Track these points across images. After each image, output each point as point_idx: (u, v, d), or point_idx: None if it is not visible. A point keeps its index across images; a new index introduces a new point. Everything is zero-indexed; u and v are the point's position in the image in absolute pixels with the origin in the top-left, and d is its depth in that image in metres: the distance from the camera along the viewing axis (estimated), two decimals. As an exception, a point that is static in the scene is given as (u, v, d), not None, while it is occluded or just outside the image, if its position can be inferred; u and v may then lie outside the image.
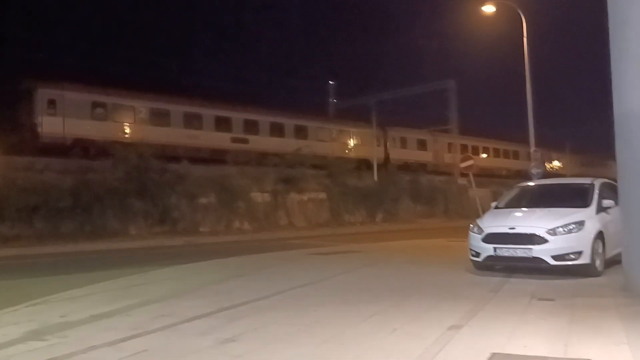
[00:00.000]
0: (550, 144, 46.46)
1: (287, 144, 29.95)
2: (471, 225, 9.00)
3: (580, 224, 7.95)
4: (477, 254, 8.52)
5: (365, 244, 14.94)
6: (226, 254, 12.35)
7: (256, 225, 23.76)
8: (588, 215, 8.19)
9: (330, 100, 45.86)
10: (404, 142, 39.05)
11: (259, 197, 24.57)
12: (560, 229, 7.88)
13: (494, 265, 8.61)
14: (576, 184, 9.96)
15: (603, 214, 8.38)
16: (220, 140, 28.29)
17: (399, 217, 29.53)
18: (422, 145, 40.12)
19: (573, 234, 7.85)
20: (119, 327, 5.41)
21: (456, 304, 6.10)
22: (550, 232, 7.86)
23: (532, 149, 20.36)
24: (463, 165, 20.12)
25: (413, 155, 38.66)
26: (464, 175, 26.83)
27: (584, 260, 7.76)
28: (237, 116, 29.70)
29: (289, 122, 32.24)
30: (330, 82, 46.47)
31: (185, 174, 22.45)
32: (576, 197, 8.86)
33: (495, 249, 8.21)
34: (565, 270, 7.84)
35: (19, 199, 17.89)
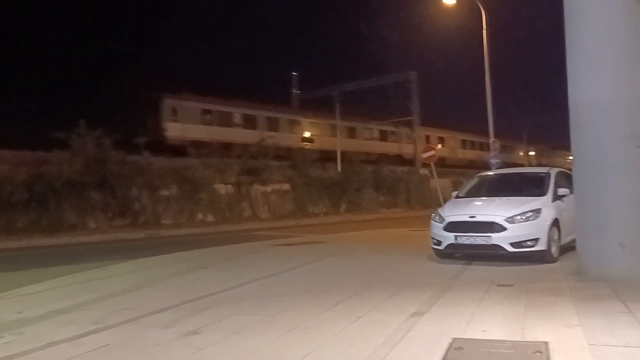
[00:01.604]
0: (509, 134, 48.08)
1: (335, 143, 35.35)
2: (433, 214, 9.16)
3: (537, 212, 8.18)
4: (439, 242, 8.67)
5: (329, 235, 15.01)
6: (189, 247, 12.22)
7: (220, 217, 23.54)
8: (544, 204, 8.43)
9: (294, 91, 45.76)
10: (428, 140, 42.46)
11: (222, 188, 24.33)
12: (518, 217, 8.09)
13: (454, 253, 8.78)
14: (533, 173, 10.23)
15: (559, 202, 8.64)
16: (295, 141, 33.60)
17: (363, 207, 29.76)
18: (442, 141, 46.11)
19: (530, 221, 8.07)
20: (78, 322, 5.29)
21: (418, 292, 6.20)
22: (509, 220, 8.07)
23: (491, 139, 20.84)
24: (425, 155, 20.39)
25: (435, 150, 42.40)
26: (425, 165, 27.23)
27: (541, 247, 8.00)
28: (308, 120, 35.71)
29: (341, 124, 37.76)
30: (293, 73, 46.37)
31: (145, 165, 22.02)
32: (533, 186, 9.10)
33: (456, 237, 8.38)
34: (523, 257, 8.07)
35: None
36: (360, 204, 30.13)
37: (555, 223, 8.32)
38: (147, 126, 28.19)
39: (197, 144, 26.92)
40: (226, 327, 4.90)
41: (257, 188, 25.69)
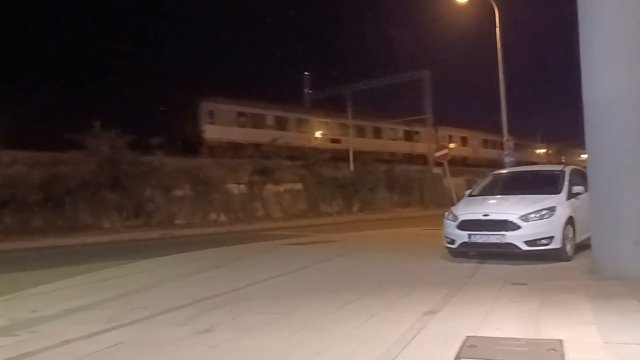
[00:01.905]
0: (524, 133, 48.18)
1: (366, 144, 37.42)
2: (446, 213, 9.11)
3: (551, 210, 8.11)
4: (452, 241, 8.63)
5: (341, 234, 15.00)
6: (202, 246, 12.28)
7: (232, 216, 23.63)
8: (559, 202, 8.35)
9: (306, 91, 45.81)
10: (450, 139, 45.21)
11: (235, 188, 24.42)
12: (532, 215, 8.03)
13: (468, 252, 8.72)
14: (547, 171, 10.15)
15: (573, 200, 8.55)
16: (322, 141, 35.16)
17: (376, 206, 29.68)
18: (464, 141, 47.79)
19: (544, 219, 8.00)
20: (93, 320, 5.34)
21: (431, 290, 6.17)
22: (523, 218, 8.00)
23: (505, 137, 20.69)
24: (438, 154, 20.30)
25: (458, 150, 44.47)
26: (439, 164, 27.12)
27: (555, 245, 7.92)
28: (335, 122, 37.01)
29: (369, 125, 39.97)
30: (305, 73, 46.43)
31: (159, 165, 22.17)
32: (547, 184, 9.02)
33: (469, 235, 8.33)
34: (537, 256, 7.99)
35: (-15, 194, 17.47)
36: (374, 203, 30.07)
37: (570, 221, 8.24)
38: (185, 129, 29.88)
39: (233, 146, 28.08)
40: (238, 325, 4.92)
41: (270, 188, 25.75)
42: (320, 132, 37.65)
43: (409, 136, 43.63)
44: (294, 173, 27.20)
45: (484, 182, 10.16)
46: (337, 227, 18.92)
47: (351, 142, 35.60)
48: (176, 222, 21.74)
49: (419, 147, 43.12)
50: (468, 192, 9.92)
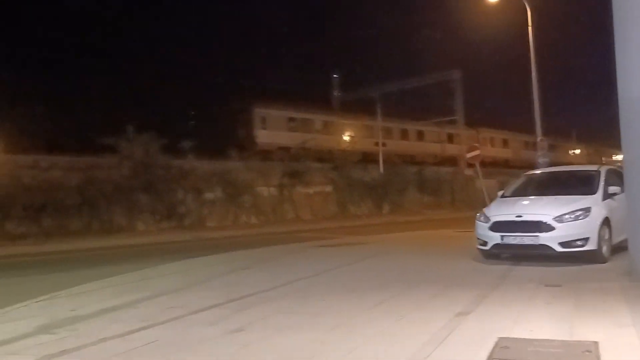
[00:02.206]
0: (557, 133, 47.50)
1: (411, 146, 39.24)
2: (478, 214, 9.00)
3: (586, 210, 7.93)
4: (484, 243, 8.52)
5: (371, 236, 14.96)
6: (233, 248, 12.41)
7: (263, 219, 23.85)
8: (594, 202, 8.17)
9: (335, 93, 45.82)
10: (492, 141, 46.40)
11: (265, 191, 24.63)
12: (567, 216, 7.87)
13: (500, 254, 8.60)
14: (582, 171, 9.93)
15: (609, 201, 8.35)
16: (367, 144, 35.69)
17: (405, 208, 29.53)
18: (505, 143, 48.29)
19: (580, 220, 7.83)
20: (128, 319, 5.46)
21: (463, 291, 6.12)
22: (557, 219, 7.85)
23: (539, 138, 20.30)
24: (469, 155, 20.04)
25: (500, 152, 46.06)
26: (470, 165, 26.80)
27: (591, 246, 7.75)
28: (377, 125, 37.32)
29: (412, 128, 40.70)
30: (334, 75, 46.44)
31: (190, 169, 22.54)
32: (582, 184, 8.84)
33: (502, 237, 8.21)
34: (572, 257, 7.83)
35: (25, 198, 18.03)
36: (404, 205, 29.93)
37: (606, 222, 8.04)
38: (239, 134, 31.06)
39: (283, 150, 29.26)
40: (270, 324, 4.97)
41: (300, 190, 25.87)
42: (368, 135, 38.44)
43: (450, 139, 43.93)
44: (324, 175, 27.27)
45: (516, 183, 10.00)
46: (367, 229, 18.87)
47: (380, 144, 35.47)
48: (208, 224, 22.05)
49: (450, 149, 42.89)
50: (500, 193, 9.77)
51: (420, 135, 41.76)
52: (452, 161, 39.54)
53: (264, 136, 31.62)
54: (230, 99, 32.91)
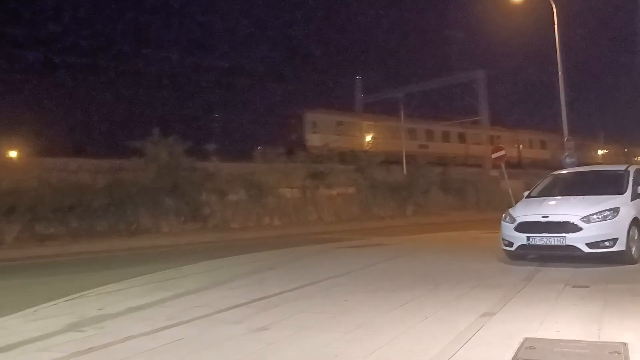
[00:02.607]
0: (584, 132, 47.19)
1: (453, 148, 40.58)
2: (503, 214, 8.89)
3: (615, 210, 7.78)
4: (510, 244, 8.40)
5: (395, 237, 14.89)
6: (257, 249, 12.48)
7: (286, 220, 23.93)
8: (623, 202, 8.00)
9: (359, 95, 45.78)
10: (530, 143, 47.90)
11: (288, 192, 24.72)
12: (595, 217, 7.72)
13: (526, 255, 8.49)
14: (610, 171, 9.74)
15: (638, 201, 8.18)
16: (411, 146, 37.46)
17: (430, 210, 29.32)
18: (543, 144, 49.38)
19: (608, 221, 7.68)
20: (154, 318, 5.54)
21: (488, 292, 6.06)
22: (585, 219, 7.71)
23: (565, 137, 19.97)
24: (495, 155, 19.79)
25: (538, 153, 47.15)
26: (496, 166, 26.48)
27: (619, 247, 7.59)
28: (421, 127, 39.85)
29: (454, 130, 41.79)
30: (357, 77, 46.44)
31: (214, 171, 22.75)
32: (610, 184, 8.67)
33: (528, 237, 8.09)
34: (599, 258, 7.69)
35: (54, 199, 18.40)
36: (427, 206, 29.71)
37: (635, 222, 7.86)
38: (291, 137, 33.46)
39: (331, 152, 30.05)
40: (294, 323, 4.99)
41: (323, 192, 25.90)
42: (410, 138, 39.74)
43: (491, 140, 44.26)
44: (347, 177, 27.25)
45: (542, 183, 9.85)
46: (391, 231, 18.79)
47: (404, 145, 35.34)
48: (231, 225, 22.21)
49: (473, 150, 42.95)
50: (526, 193, 9.64)
51: (461, 138, 42.86)
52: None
53: (314, 139, 33.37)
54: (281, 105, 35.50)
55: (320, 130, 34.06)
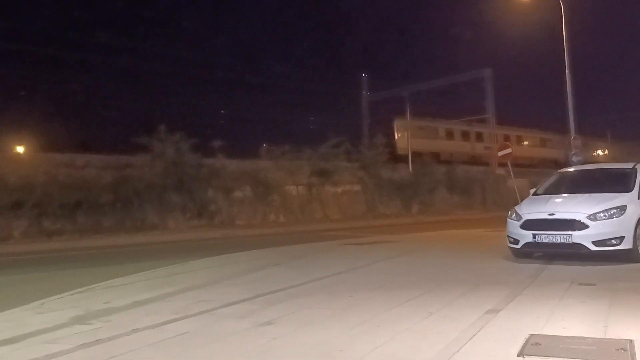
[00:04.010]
0: (591, 131, 47.29)
1: (521, 150, 41.29)
2: (509, 212, 8.87)
3: (621, 209, 7.75)
4: (516, 241, 8.39)
5: (400, 235, 14.87)
6: (262, 245, 12.50)
7: (291, 217, 23.94)
8: (630, 200, 7.97)
9: (364, 93, 45.69)
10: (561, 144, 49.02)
11: (294, 190, 24.73)
12: (601, 214, 7.70)
13: (532, 252, 8.46)
14: (617, 169, 9.69)
15: (646, 199, 8.13)
16: (478, 149, 41.12)
17: (435, 208, 29.26)
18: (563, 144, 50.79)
19: (614, 219, 7.66)
20: (160, 311, 5.56)
21: (493, 289, 6.05)
22: (591, 217, 7.68)
23: (572, 136, 19.87)
24: (501, 153, 19.71)
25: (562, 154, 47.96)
26: (501, 165, 26.42)
27: (626, 245, 7.56)
28: (486, 131, 42.23)
29: (512, 133, 43.93)
30: (363, 75, 46.35)
31: (220, 168, 22.77)
32: (617, 182, 8.63)
33: (534, 235, 8.07)
34: (606, 256, 7.67)
35: (61, 195, 18.49)
36: (433, 205, 29.66)
37: (642, 220, 7.83)
38: (382, 141, 35.10)
39: (415, 154, 34.06)
40: (298, 319, 5.00)
41: (328, 189, 25.89)
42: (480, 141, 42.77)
43: (520, 140, 46.03)
44: (352, 174, 27.23)
45: (549, 181, 9.81)
46: (396, 229, 18.76)
47: (409, 143, 35.35)
48: (237, 222, 22.24)
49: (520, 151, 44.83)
50: (532, 190, 9.61)
51: (519, 139, 44.77)
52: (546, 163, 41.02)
53: (402, 143, 37.20)
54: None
55: (407, 135, 37.93)
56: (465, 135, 42.11)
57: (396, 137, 37.87)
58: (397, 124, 38.63)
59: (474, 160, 39.41)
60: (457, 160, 36.24)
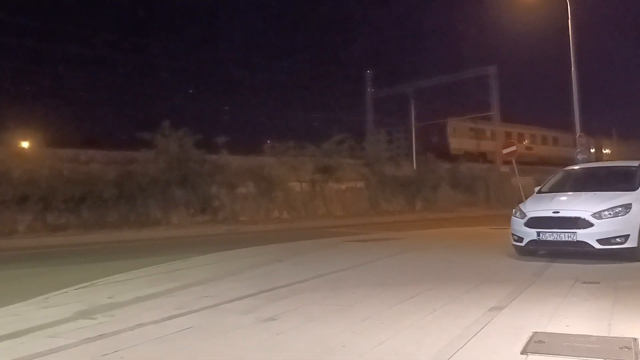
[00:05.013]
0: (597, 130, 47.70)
1: (549, 150, 46.29)
2: (514, 209, 8.85)
3: (626, 207, 7.72)
4: (520, 239, 8.37)
5: (404, 232, 14.87)
6: (265, 242, 12.52)
7: (294, 214, 23.95)
8: (635, 198, 7.93)
9: (368, 89, 45.62)
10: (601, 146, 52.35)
11: (297, 186, 24.74)
12: (606, 213, 7.67)
13: (537, 250, 8.45)
14: (622, 167, 9.65)
15: (651, 197, 8.09)
16: (519, 148, 43.52)
17: (439, 205, 29.21)
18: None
19: (619, 217, 7.63)
20: (163, 307, 5.57)
21: (497, 287, 6.03)
22: (596, 215, 7.66)
23: (577, 134, 19.80)
24: (506, 151, 19.66)
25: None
26: (506, 162, 26.36)
27: (631, 244, 7.53)
28: (524, 131, 45.98)
29: (548, 134, 48.13)
30: (367, 71, 46.27)
31: (224, 164, 22.79)
32: (622, 180, 8.60)
33: (538, 233, 8.05)
34: (610, 255, 7.64)
35: (65, 190, 18.53)
36: (437, 202, 29.62)
37: (647, 219, 7.80)
38: (435, 141, 39.27)
39: (466, 154, 37.15)
40: (302, 315, 5.00)
41: (332, 186, 25.88)
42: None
43: (555, 141, 48.70)
44: (356, 171, 27.21)
45: (554, 179, 9.79)
46: (400, 225, 18.77)
47: (413, 141, 35.32)
48: (240, 218, 22.27)
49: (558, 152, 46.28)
50: (537, 188, 9.58)
51: (555, 141, 48.00)
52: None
53: (455, 143, 40.48)
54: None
55: (458, 135, 41.55)
56: (508, 136, 44.44)
57: (449, 137, 41.09)
58: (450, 125, 41.46)
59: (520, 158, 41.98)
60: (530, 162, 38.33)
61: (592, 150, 55.25)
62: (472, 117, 40.98)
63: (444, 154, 35.48)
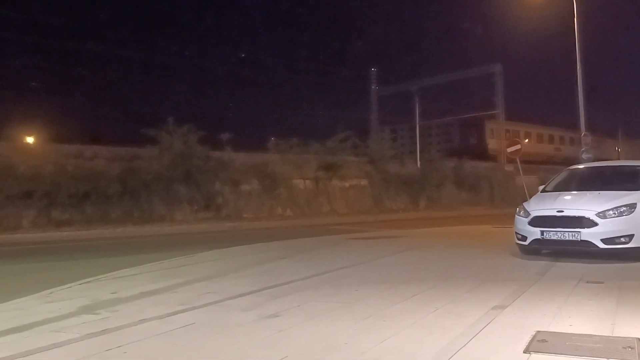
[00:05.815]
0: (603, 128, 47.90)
1: (575, 152, 44.85)
2: (518, 208, 8.83)
3: (631, 206, 7.69)
4: (524, 238, 8.35)
5: (407, 230, 14.86)
6: (269, 238, 12.53)
7: (298, 211, 23.97)
8: (639, 198, 7.90)
9: (373, 87, 45.62)
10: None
11: (301, 183, 24.75)
12: (611, 212, 7.64)
13: (540, 249, 8.42)
14: (627, 167, 9.62)
15: (656, 197, 8.06)
16: (548, 149, 47.20)
17: (442, 203, 29.19)
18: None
19: (624, 217, 7.60)
20: (167, 302, 5.59)
21: (500, 286, 6.02)
22: (600, 215, 7.63)
23: (583, 133, 19.75)
24: (510, 150, 19.61)
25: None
26: (510, 161, 26.31)
27: (635, 243, 7.50)
28: (556, 133, 49.27)
29: (575, 136, 49.23)
30: (372, 69, 46.26)
31: (228, 161, 22.81)
32: (627, 180, 8.57)
33: (542, 232, 8.03)
34: (615, 254, 7.61)
35: (70, 186, 18.60)
36: (440, 200, 29.59)
37: (652, 219, 7.76)
38: (474, 142, 41.93)
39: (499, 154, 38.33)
40: (304, 312, 5.00)
41: (335, 183, 25.89)
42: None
43: (572, 142, 49.48)
44: (359, 169, 27.19)
45: (558, 178, 9.76)
46: (403, 224, 18.75)
47: (418, 140, 35.25)
48: (244, 215, 22.30)
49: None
50: (541, 187, 9.56)
51: (575, 142, 48.60)
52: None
53: (491, 144, 43.40)
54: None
55: (495, 136, 44.10)
56: (539, 137, 48.15)
57: (488, 138, 43.77)
58: (487, 126, 44.17)
59: (549, 159, 44.42)
60: (537, 161, 40.11)
61: (619, 150, 55.92)
62: (476, 114, 40.98)
63: (482, 154, 37.40)
